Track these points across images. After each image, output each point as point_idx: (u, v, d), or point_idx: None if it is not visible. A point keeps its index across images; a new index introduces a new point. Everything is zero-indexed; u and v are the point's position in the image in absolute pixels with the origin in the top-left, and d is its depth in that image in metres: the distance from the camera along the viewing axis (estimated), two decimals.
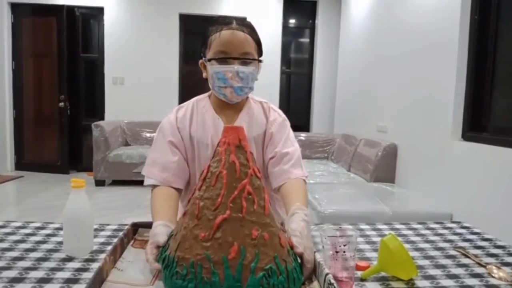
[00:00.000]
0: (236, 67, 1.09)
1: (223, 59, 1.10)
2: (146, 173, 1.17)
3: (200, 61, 1.19)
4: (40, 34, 5.55)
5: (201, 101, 1.26)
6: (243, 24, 1.13)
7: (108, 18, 5.64)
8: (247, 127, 1.18)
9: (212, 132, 1.19)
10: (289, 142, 1.21)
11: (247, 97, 1.26)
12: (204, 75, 1.19)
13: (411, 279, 0.85)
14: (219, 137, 1.19)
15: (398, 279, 0.85)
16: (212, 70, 1.11)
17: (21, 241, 1.00)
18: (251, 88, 1.15)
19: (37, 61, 5.60)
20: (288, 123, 1.27)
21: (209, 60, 1.12)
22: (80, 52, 5.85)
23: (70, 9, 5.59)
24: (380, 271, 0.87)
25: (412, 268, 0.83)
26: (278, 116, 1.25)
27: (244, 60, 1.11)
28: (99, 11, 5.66)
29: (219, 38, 1.10)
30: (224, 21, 1.12)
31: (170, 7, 5.69)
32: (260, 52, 1.19)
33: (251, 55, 1.13)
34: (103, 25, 5.67)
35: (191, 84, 5.95)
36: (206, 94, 1.28)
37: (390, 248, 0.83)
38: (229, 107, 1.21)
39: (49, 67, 5.53)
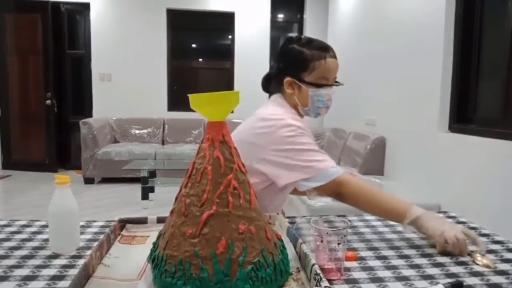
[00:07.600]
0: (333, 90, 1.25)
1: (323, 84, 1.22)
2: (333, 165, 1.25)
3: (289, 79, 1.24)
4: (24, 31, 5.46)
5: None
6: (333, 50, 1.25)
7: (94, 14, 5.57)
8: None
9: None
10: None
11: None
12: (289, 91, 1.25)
13: (397, 268, 0.86)
14: None
15: (385, 268, 0.86)
16: (314, 93, 1.22)
17: (6, 240, 0.99)
18: None
19: (22, 58, 5.50)
20: None
21: (309, 83, 1.21)
22: (66, 49, 5.77)
23: (55, 5, 5.50)
24: None
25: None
26: None
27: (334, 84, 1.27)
28: (85, 6, 5.59)
29: (325, 65, 1.21)
30: (324, 47, 1.23)
31: (157, 2, 5.64)
32: None
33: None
34: (89, 21, 5.60)
35: (179, 80, 5.91)
36: (288, 110, 1.26)
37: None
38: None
39: (35, 64, 5.45)
